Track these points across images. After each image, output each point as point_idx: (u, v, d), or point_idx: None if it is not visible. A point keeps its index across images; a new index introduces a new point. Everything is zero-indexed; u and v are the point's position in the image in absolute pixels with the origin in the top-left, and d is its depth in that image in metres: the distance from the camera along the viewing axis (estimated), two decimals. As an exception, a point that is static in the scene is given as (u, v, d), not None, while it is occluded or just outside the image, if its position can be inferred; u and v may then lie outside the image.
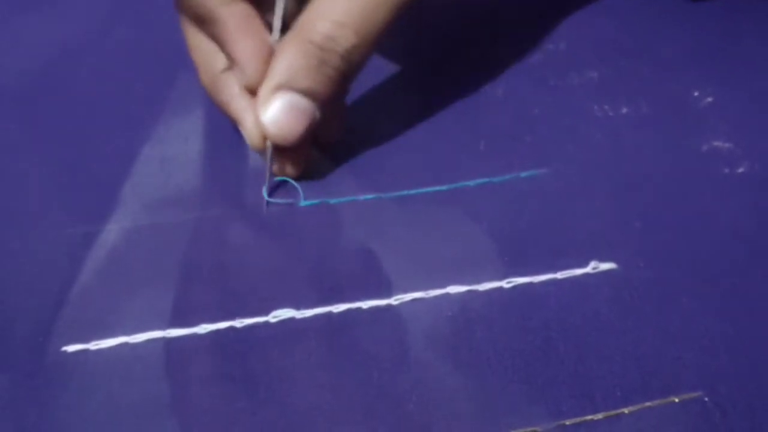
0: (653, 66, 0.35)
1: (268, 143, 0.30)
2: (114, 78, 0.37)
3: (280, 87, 0.28)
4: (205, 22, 0.30)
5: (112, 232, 0.30)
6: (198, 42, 0.31)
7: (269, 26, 0.30)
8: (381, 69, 0.36)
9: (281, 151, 0.30)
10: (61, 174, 0.32)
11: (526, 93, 0.34)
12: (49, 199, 0.31)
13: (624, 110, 0.33)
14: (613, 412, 0.23)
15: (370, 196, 0.30)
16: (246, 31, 0.29)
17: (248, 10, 0.29)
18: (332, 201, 0.30)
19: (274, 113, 0.28)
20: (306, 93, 0.28)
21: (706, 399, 0.23)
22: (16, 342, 0.26)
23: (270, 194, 0.31)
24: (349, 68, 0.28)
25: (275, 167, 0.31)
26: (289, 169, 0.31)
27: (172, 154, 0.33)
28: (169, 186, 0.31)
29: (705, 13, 0.37)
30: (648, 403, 0.24)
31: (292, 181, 0.31)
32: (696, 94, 0.33)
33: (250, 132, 0.30)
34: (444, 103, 0.34)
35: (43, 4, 0.42)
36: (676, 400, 0.24)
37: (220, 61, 0.30)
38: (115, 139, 0.33)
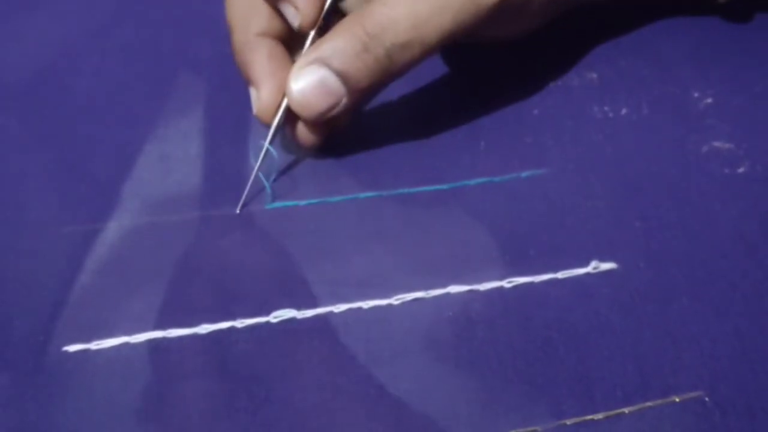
0: (653, 67, 0.35)
1: (278, 113, 0.30)
2: (114, 77, 0.37)
3: (318, 61, 0.28)
4: None
5: (112, 230, 0.30)
6: (237, 1, 0.31)
7: None
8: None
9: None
10: (61, 172, 0.32)
11: (526, 94, 0.34)
12: (49, 197, 0.31)
13: (624, 111, 0.33)
14: (613, 412, 0.23)
15: (370, 194, 0.30)
16: None
17: None
18: (333, 200, 0.30)
19: (304, 84, 0.28)
20: (340, 74, 0.28)
21: (707, 399, 0.24)
22: (17, 341, 0.26)
23: (267, 193, 0.31)
24: (390, 65, 0.28)
25: (293, 131, 0.31)
26: (304, 137, 0.31)
27: (172, 152, 0.33)
28: (170, 185, 0.31)
29: (705, 14, 0.37)
30: (648, 403, 0.24)
31: (266, 182, 0.31)
32: (696, 94, 0.33)
33: (263, 100, 0.30)
34: (444, 104, 0.34)
35: (44, 3, 0.42)
36: (677, 399, 0.24)
37: (255, 23, 0.30)
38: (115, 138, 0.33)
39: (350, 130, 0.33)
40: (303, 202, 0.30)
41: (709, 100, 0.33)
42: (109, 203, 0.31)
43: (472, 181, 0.31)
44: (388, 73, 0.29)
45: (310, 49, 0.29)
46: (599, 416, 0.23)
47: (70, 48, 0.39)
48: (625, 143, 0.32)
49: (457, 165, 0.31)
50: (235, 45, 0.31)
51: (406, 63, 0.29)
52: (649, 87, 0.34)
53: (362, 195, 0.30)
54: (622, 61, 0.35)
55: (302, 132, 0.31)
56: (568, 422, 0.23)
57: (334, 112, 0.29)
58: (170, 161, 0.32)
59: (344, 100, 0.29)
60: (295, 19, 0.29)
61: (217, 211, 0.30)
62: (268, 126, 0.30)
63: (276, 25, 0.30)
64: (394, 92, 0.34)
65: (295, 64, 0.29)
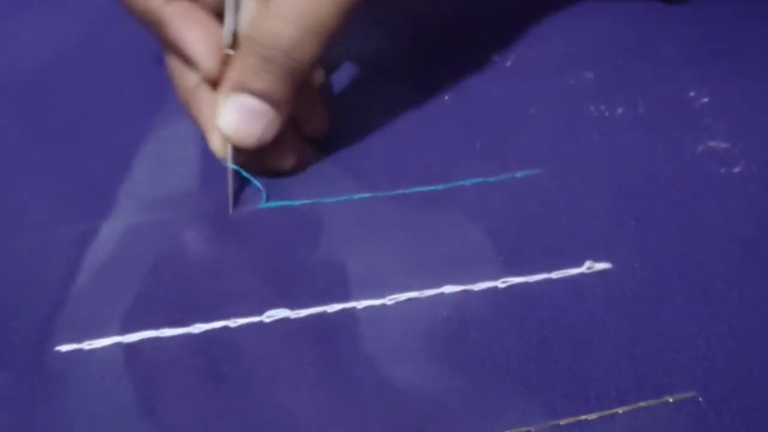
0: (649, 66, 0.35)
1: (228, 149, 0.30)
2: (111, 77, 0.37)
3: (233, 89, 0.28)
4: (154, 27, 0.30)
5: (107, 230, 0.30)
6: (172, 58, 0.31)
7: (220, 19, 0.30)
8: (376, 68, 0.36)
9: (262, 148, 0.30)
10: (58, 173, 0.32)
11: (521, 93, 0.34)
12: (45, 197, 0.31)
13: (620, 110, 0.33)
14: (607, 412, 0.23)
15: (365, 195, 0.30)
16: (192, 24, 0.29)
17: (189, 6, 0.29)
18: (327, 200, 0.30)
19: (229, 117, 0.28)
20: (258, 94, 0.28)
21: (701, 399, 0.23)
22: (10, 341, 0.26)
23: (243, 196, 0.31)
24: (295, 65, 0.28)
25: (269, 161, 0.31)
26: (279, 163, 0.31)
27: (169, 153, 0.33)
28: (165, 185, 0.31)
29: (701, 13, 0.37)
30: (642, 403, 0.23)
31: (256, 182, 0.30)
32: (692, 94, 0.33)
33: (214, 145, 0.30)
34: (440, 104, 0.34)
35: (42, 4, 0.42)
36: (671, 400, 0.24)
37: (192, 76, 0.30)
38: (112, 139, 0.33)
39: (344, 132, 0.33)
40: (297, 203, 0.30)
41: (706, 100, 0.33)
42: (105, 204, 0.31)
43: (467, 182, 0.31)
44: (300, 73, 0.28)
45: (222, 83, 0.29)
46: (593, 416, 0.23)
47: (67, 47, 0.39)
48: (620, 143, 0.32)
49: (452, 166, 0.31)
50: (181, 100, 0.31)
51: (312, 56, 0.28)
52: (645, 86, 0.34)
53: (356, 196, 0.30)
54: (618, 60, 0.35)
55: (276, 158, 0.31)
56: (562, 422, 0.23)
57: (272, 131, 0.29)
58: (167, 162, 0.32)
59: (275, 116, 0.28)
60: (204, 72, 0.29)
61: (211, 211, 0.30)
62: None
63: None
64: (388, 93, 0.34)
65: (217, 101, 0.29)
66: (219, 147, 0.30)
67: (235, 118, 0.28)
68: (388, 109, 0.34)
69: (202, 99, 0.30)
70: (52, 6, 0.42)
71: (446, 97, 0.34)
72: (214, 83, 0.30)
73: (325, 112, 0.32)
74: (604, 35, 0.36)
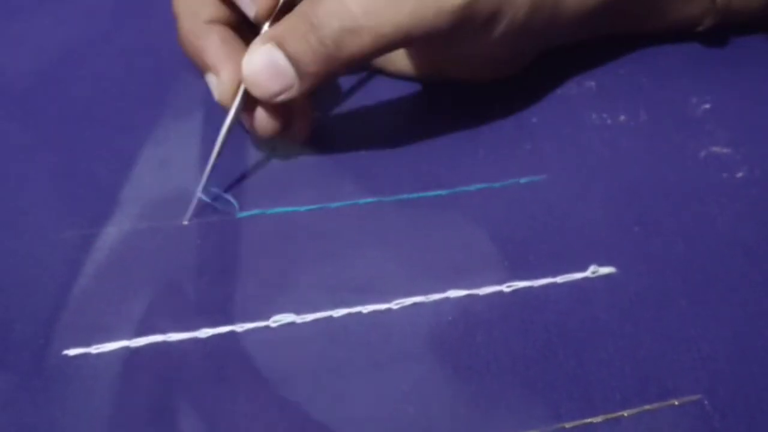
0: (651, 73, 0.35)
1: (234, 104, 0.30)
2: (113, 80, 0.37)
3: (270, 41, 0.28)
4: None
5: (111, 234, 0.30)
6: None
7: None
8: (381, 77, 0.36)
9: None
10: (60, 176, 0.32)
11: (524, 103, 0.34)
12: (49, 201, 0.31)
13: (622, 117, 0.33)
14: (612, 415, 0.23)
15: (370, 200, 0.30)
16: None
17: None
18: (333, 205, 0.30)
19: (256, 62, 0.28)
20: (290, 57, 0.28)
21: (706, 402, 0.24)
22: (17, 344, 0.26)
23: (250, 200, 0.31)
24: (336, 51, 0.28)
25: (252, 121, 0.31)
26: (263, 125, 0.31)
27: (171, 156, 0.33)
28: (168, 189, 0.31)
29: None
30: (647, 406, 0.24)
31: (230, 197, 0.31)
32: (694, 100, 0.33)
33: (225, 83, 0.30)
34: (443, 113, 0.34)
35: (44, 7, 0.42)
36: (676, 403, 0.24)
37: (204, 11, 0.31)
38: (114, 142, 0.33)
39: (350, 137, 0.33)
40: (303, 208, 0.30)
41: (707, 106, 0.33)
42: (108, 208, 0.31)
43: (471, 187, 0.31)
44: (335, 60, 0.28)
45: (266, 31, 0.29)
46: (598, 419, 0.23)
47: (69, 51, 0.39)
48: (623, 149, 0.32)
49: (456, 172, 0.31)
50: (183, 33, 0.31)
51: (355, 51, 0.28)
52: (647, 93, 0.34)
53: (362, 201, 0.31)
54: (620, 69, 0.36)
55: (261, 119, 0.31)
56: (567, 425, 0.23)
57: (288, 95, 0.29)
58: (169, 166, 0.32)
59: (296, 84, 0.28)
60: (251, 9, 0.29)
61: (216, 215, 0.30)
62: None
63: (224, 12, 0.31)
64: (394, 99, 0.34)
65: (252, 44, 0.29)
66: (228, 85, 0.30)
67: (260, 65, 0.28)
68: (393, 115, 0.34)
69: (211, 35, 0.30)
70: (53, 10, 0.42)
71: (449, 108, 0.35)
72: (230, 26, 0.30)
73: (309, 121, 0.32)
74: (605, 45, 0.37)
